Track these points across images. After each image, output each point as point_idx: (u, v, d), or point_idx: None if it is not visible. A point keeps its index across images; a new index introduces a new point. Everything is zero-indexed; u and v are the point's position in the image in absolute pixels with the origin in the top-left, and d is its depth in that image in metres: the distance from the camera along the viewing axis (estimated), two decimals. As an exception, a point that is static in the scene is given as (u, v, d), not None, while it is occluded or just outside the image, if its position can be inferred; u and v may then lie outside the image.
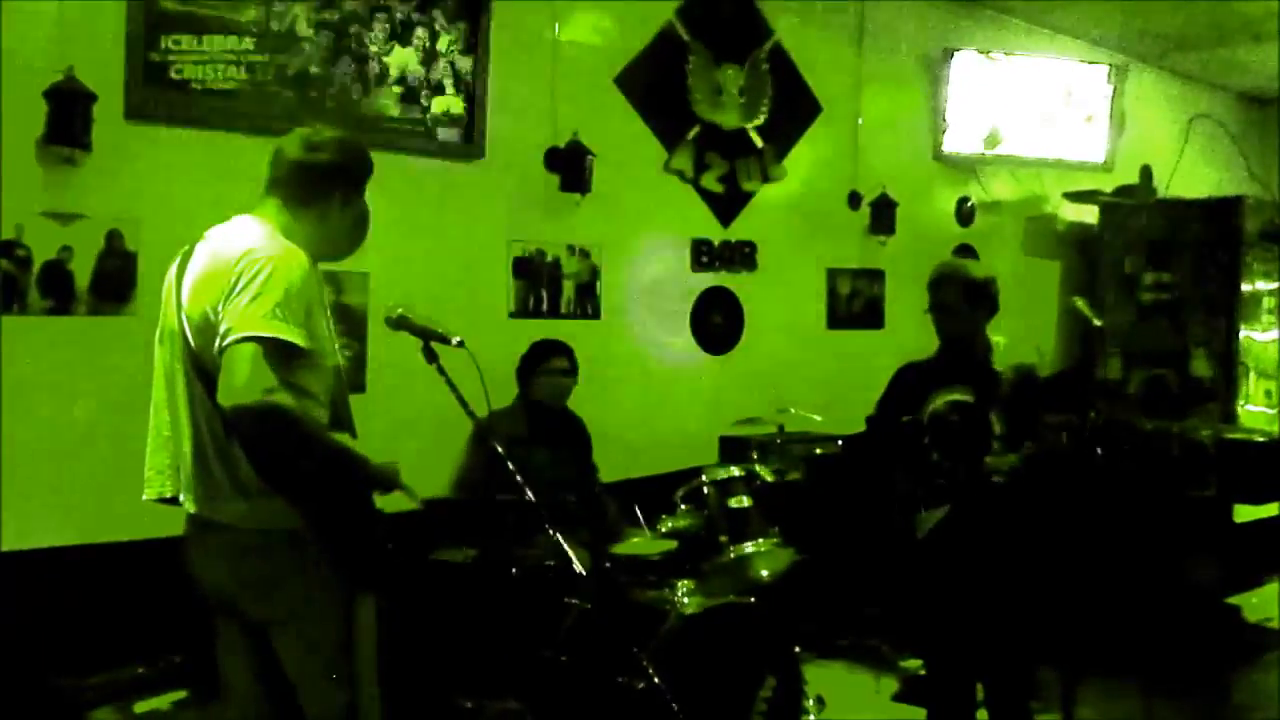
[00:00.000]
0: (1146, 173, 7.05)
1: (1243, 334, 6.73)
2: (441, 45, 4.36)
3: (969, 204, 6.58)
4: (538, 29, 4.68)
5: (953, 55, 6.28)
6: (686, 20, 5.21)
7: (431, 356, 2.59)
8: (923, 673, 4.19)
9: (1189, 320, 6.75)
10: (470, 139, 4.45)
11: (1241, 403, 6.77)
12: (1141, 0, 6.36)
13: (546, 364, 4.21)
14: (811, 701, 3.77)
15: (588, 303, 4.91)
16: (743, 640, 3.59)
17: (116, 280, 3.56)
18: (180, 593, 2.48)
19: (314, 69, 4.03)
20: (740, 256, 5.51)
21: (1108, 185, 7.02)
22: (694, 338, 5.39)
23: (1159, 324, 6.83)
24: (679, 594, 3.60)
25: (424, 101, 4.33)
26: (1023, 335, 4.53)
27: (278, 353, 2.19)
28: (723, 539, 4.04)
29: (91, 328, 3.52)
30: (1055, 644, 3.54)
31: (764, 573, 4.03)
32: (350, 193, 2.53)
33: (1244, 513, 5.36)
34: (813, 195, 5.78)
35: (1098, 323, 3.55)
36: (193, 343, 2.32)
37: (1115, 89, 6.79)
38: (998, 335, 3.48)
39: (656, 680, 2.62)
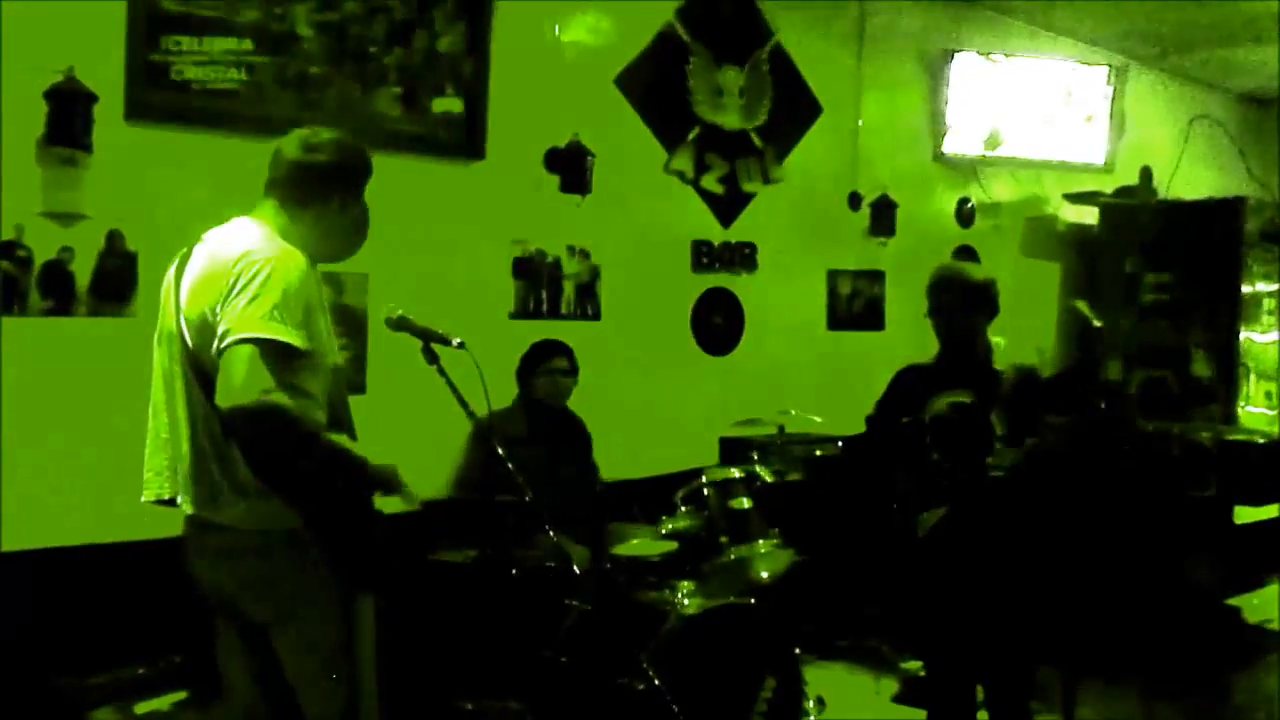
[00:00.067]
0: (1147, 174, 7.05)
1: (1243, 335, 6.73)
2: (442, 46, 4.36)
3: (969, 205, 6.58)
4: (538, 30, 4.68)
5: (953, 56, 6.28)
6: (687, 21, 5.21)
7: (432, 357, 2.60)
8: (923, 674, 4.20)
9: (1189, 321, 6.75)
10: (470, 140, 4.45)
11: (1242, 404, 6.78)
12: (1141, 1, 6.36)
13: (546, 364, 4.21)
14: (811, 703, 3.77)
15: (588, 303, 4.91)
16: (743, 641, 3.58)
17: (117, 281, 3.56)
18: (180, 593, 2.48)
19: (314, 69, 4.02)
20: (740, 257, 5.51)
21: (1108, 186, 7.02)
22: (694, 339, 5.39)
23: (1159, 325, 6.83)
24: (679, 595, 3.60)
25: (424, 102, 4.33)
26: (1023, 336, 4.53)
27: (276, 354, 2.19)
28: (723, 540, 4.04)
29: (91, 328, 3.51)
30: (1056, 645, 3.54)
31: (764, 574, 4.03)
32: (348, 194, 2.52)
33: (1244, 514, 5.36)
34: (813, 196, 5.78)
35: (1098, 324, 3.55)
36: (191, 344, 2.32)
37: (1115, 90, 6.80)
38: (998, 336, 3.48)
39: (656, 681, 2.63)
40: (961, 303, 3.40)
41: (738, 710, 3.53)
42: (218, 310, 2.24)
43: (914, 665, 4.57)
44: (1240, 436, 5.69)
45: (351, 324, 4.01)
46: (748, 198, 5.52)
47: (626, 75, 5.02)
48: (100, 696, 3.23)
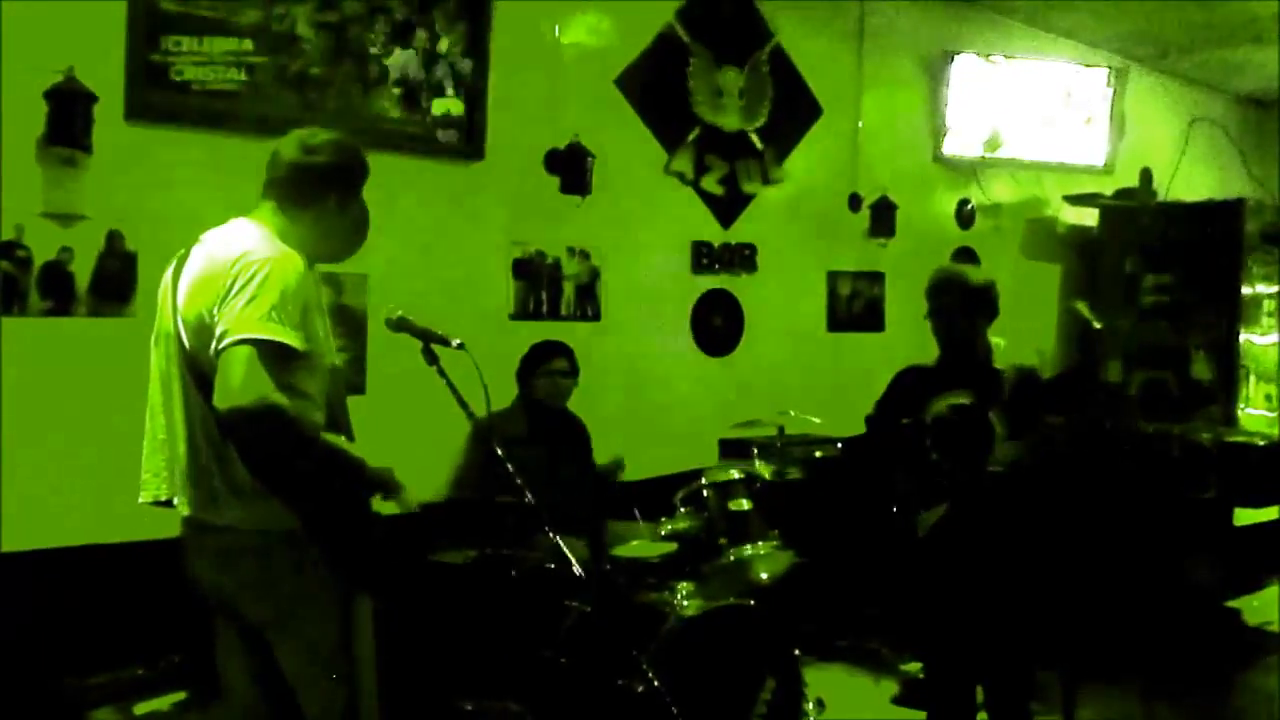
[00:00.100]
0: (1146, 175, 7.05)
1: (1243, 337, 6.73)
2: (442, 47, 4.36)
3: (969, 206, 6.58)
4: (538, 31, 4.68)
5: (953, 58, 6.28)
6: (687, 22, 5.21)
7: (431, 358, 2.59)
8: (922, 675, 4.20)
9: (1189, 323, 6.75)
10: (470, 140, 4.45)
11: (1242, 406, 6.77)
12: (1141, 2, 6.36)
13: (546, 365, 4.21)
14: (811, 704, 3.77)
15: (588, 304, 4.91)
16: (742, 642, 3.58)
17: (117, 281, 3.56)
18: (180, 593, 2.48)
19: (314, 70, 4.02)
20: (740, 258, 5.51)
21: (1108, 188, 7.02)
22: (694, 340, 5.38)
23: (1159, 326, 6.83)
24: (679, 596, 3.60)
25: (424, 103, 4.33)
26: (1023, 337, 4.53)
27: (273, 355, 2.18)
28: (722, 541, 4.04)
29: (91, 328, 3.52)
30: (1056, 646, 3.54)
31: (764, 575, 4.03)
32: (347, 195, 2.52)
33: (1244, 516, 5.36)
34: (813, 197, 5.78)
35: (1098, 325, 3.55)
36: (188, 345, 2.32)
37: (1115, 91, 6.80)
38: (998, 337, 3.48)
39: (656, 682, 2.63)
40: (961, 305, 3.40)
41: (737, 711, 3.52)
42: (215, 311, 2.23)
43: (914, 666, 4.57)
44: (1240, 438, 5.68)
45: (351, 325, 4.01)
46: (748, 199, 5.52)
47: (626, 76, 5.02)
48: (100, 697, 3.23)
